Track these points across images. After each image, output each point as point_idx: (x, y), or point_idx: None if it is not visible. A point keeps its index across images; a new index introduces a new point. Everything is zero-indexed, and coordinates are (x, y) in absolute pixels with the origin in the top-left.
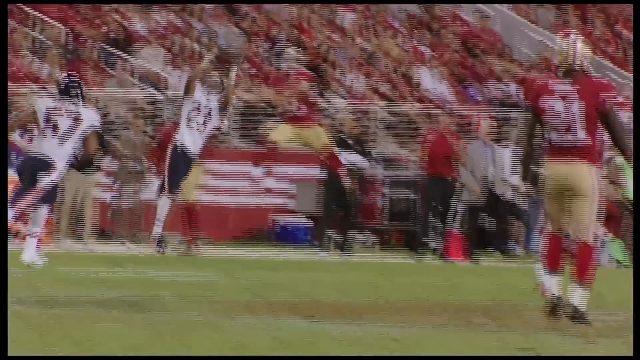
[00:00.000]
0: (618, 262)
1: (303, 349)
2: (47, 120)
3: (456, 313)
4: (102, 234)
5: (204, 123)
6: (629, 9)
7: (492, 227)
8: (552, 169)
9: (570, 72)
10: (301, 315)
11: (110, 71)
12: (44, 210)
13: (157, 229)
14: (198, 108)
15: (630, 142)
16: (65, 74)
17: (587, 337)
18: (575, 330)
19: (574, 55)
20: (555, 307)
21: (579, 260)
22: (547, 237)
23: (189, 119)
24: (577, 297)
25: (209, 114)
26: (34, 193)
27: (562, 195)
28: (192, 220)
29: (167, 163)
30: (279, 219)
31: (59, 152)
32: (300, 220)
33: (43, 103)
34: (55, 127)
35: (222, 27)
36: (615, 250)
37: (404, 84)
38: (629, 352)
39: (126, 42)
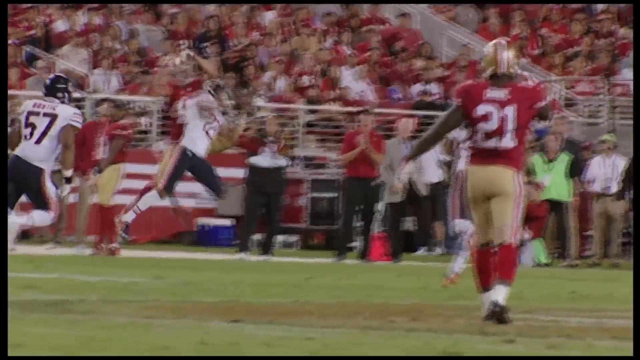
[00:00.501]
0: (539, 262)
1: (226, 350)
2: (27, 123)
3: (380, 315)
4: (24, 234)
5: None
6: (548, 8)
7: (414, 227)
8: (476, 175)
9: (499, 78)
10: (225, 316)
11: (32, 70)
12: (49, 220)
13: (129, 217)
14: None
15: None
16: (52, 75)
17: (507, 336)
18: (497, 330)
19: (501, 62)
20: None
21: (501, 260)
22: (475, 253)
23: (206, 130)
24: (500, 294)
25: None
26: (53, 206)
27: (488, 202)
28: (105, 223)
29: (172, 163)
30: (200, 220)
31: (37, 153)
32: (222, 222)
33: (25, 107)
34: (33, 128)
35: (143, 25)
36: (536, 250)
37: (326, 84)
38: (551, 353)
39: (47, 41)
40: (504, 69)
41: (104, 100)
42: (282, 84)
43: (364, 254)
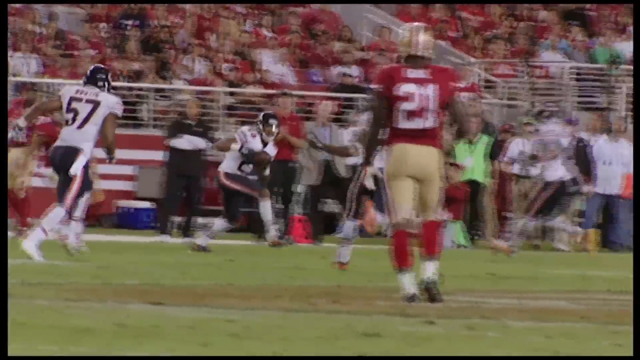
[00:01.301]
0: (458, 243)
1: (147, 332)
2: (69, 108)
3: (300, 297)
4: None
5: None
6: None
7: (335, 209)
8: (408, 153)
9: (415, 60)
10: (145, 298)
11: None
12: (84, 197)
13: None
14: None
15: (471, 126)
16: (93, 66)
17: (427, 317)
18: (417, 312)
19: (416, 45)
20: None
21: (426, 236)
22: (392, 234)
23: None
24: (430, 269)
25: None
26: (75, 185)
27: (411, 179)
28: (20, 206)
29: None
30: (120, 203)
31: (79, 137)
32: (142, 204)
33: (67, 92)
34: (75, 114)
35: (63, 8)
36: (456, 232)
37: (246, 67)
38: (470, 334)
39: None
40: (419, 52)
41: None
42: (201, 66)
43: (284, 236)
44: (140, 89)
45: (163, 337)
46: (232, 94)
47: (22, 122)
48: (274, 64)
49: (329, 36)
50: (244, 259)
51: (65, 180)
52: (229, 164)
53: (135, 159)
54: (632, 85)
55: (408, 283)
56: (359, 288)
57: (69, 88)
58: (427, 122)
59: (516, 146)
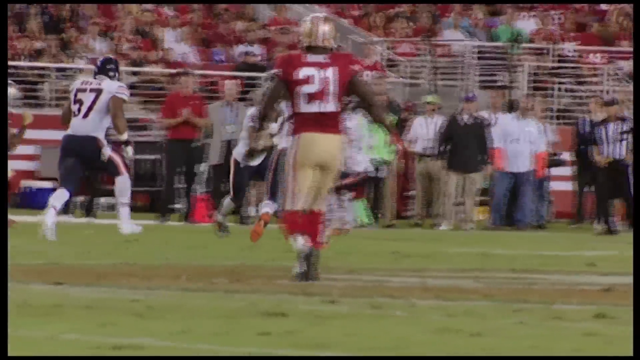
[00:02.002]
0: (361, 222)
1: (49, 312)
2: (75, 99)
3: (202, 276)
4: None
5: None
6: None
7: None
8: (316, 142)
9: (315, 49)
10: (47, 278)
11: None
12: (127, 180)
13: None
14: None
15: (381, 109)
16: (102, 57)
17: (330, 297)
18: (320, 291)
19: (317, 35)
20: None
21: (313, 227)
22: (286, 215)
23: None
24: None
25: None
26: (122, 168)
27: (315, 169)
28: None
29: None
30: (23, 183)
31: (87, 125)
32: (44, 184)
33: (75, 85)
34: (80, 104)
35: None
36: (358, 211)
37: (147, 45)
38: (375, 312)
39: None
40: (320, 42)
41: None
42: (102, 45)
43: (187, 216)
44: (42, 69)
45: (65, 317)
46: (134, 73)
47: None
48: (176, 43)
49: (231, 15)
50: (146, 239)
51: (75, 166)
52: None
53: (38, 139)
54: (534, 64)
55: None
56: (260, 267)
57: (76, 81)
58: (329, 105)
59: (419, 125)
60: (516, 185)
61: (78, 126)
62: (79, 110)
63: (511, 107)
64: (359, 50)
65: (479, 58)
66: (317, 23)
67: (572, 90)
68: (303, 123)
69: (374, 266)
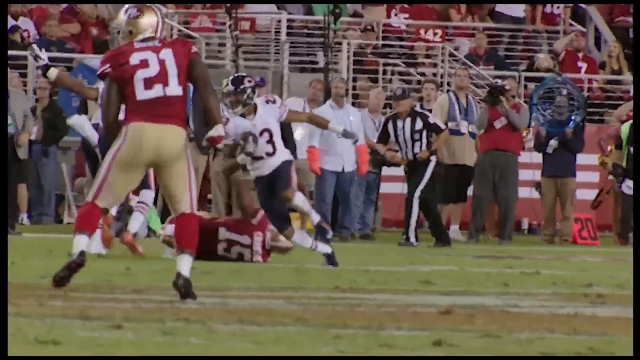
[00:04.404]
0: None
1: None
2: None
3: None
4: None
5: None
6: None
7: None
8: (147, 134)
9: (148, 40)
10: None
11: None
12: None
13: None
14: None
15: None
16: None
17: (113, 321)
18: (100, 314)
19: (142, 27)
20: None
21: (183, 229)
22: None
23: None
24: (185, 265)
25: None
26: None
27: (144, 167)
28: None
29: None
30: None
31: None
32: None
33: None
34: None
35: None
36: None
37: None
38: (167, 340)
39: None
40: (148, 34)
41: None
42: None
43: None
44: None
45: None
46: None
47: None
48: None
49: None
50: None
51: None
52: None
53: None
54: (356, 42)
55: (79, 244)
56: (28, 285)
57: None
58: (171, 89)
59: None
60: (340, 186)
61: None
62: None
63: (328, 94)
64: None
65: (289, 34)
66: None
67: (403, 73)
68: (139, 112)
69: (164, 284)
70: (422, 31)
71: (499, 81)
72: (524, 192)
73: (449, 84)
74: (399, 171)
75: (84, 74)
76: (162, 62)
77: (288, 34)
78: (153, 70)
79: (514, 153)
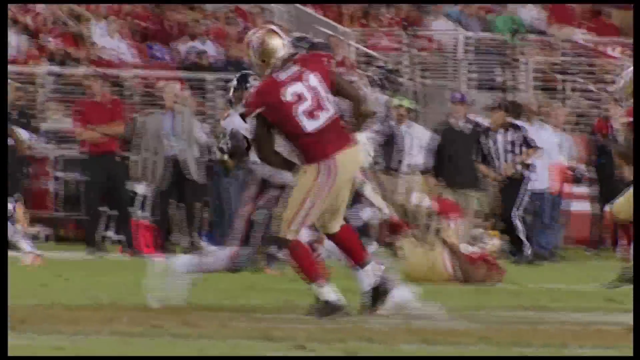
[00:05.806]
0: None
1: None
2: None
3: (143, 318)
4: None
5: None
6: None
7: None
8: (344, 158)
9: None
10: None
11: None
12: None
13: None
14: None
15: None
16: None
17: (295, 340)
18: (283, 335)
19: (275, 51)
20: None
21: (351, 242)
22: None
23: None
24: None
25: None
26: None
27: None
28: None
29: None
30: None
31: None
32: None
33: None
34: None
35: None
36: None
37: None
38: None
39: None
40: (282, 54)
41: None
42: (22, 43)
43: (130, 246)
44: None
45: None
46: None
47: None
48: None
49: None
50: (77, 276)
51: None
52: None
53: None
54: (539, 58)
55: (326, 293)
56: (213, 307)
57: None
58: (329, 112)
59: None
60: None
61: None
62: None
63: (517, 113)
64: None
65: (466, 52)
66: (248, 44)
67: (585, 90)
68: (322, 143)
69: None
70: (602, 47)
71: None
72: None
73: None
74: (585, 189)
75: None
76: (312, 91)
77: (466, 51)
78: (309, 101)
79: None
